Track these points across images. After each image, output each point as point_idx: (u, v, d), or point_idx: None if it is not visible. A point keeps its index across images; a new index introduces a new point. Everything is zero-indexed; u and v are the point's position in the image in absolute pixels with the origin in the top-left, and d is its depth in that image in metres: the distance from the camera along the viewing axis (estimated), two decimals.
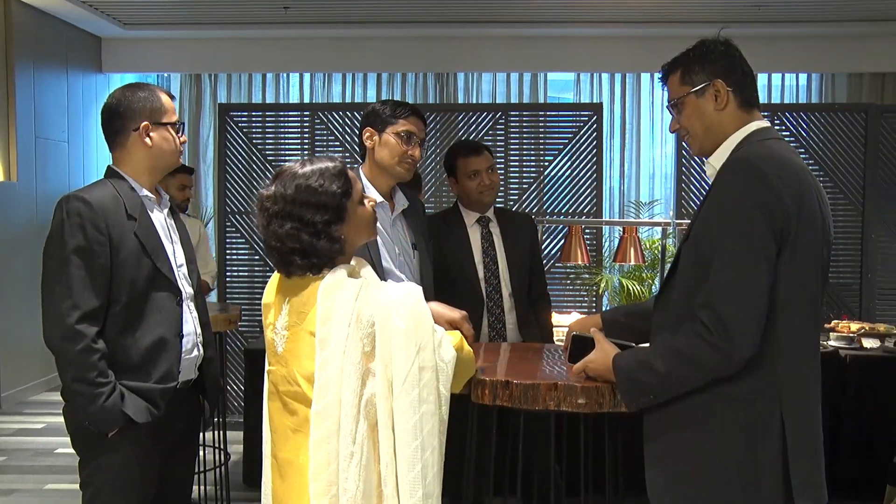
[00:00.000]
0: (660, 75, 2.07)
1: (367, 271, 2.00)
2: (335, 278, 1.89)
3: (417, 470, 1.83)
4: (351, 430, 1.82)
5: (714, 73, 1.95)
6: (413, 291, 1.91)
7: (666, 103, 2.07)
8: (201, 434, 3.69)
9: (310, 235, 1.90)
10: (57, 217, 2.27)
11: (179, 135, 2.45)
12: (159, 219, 2.44)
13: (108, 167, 2.43)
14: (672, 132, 2.10)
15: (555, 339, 3.71)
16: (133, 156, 2.40)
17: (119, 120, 2.38)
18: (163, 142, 2.40)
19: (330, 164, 1.97)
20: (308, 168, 1.95)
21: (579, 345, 2.17)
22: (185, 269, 2.48)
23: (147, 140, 2.37)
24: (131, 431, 2.26)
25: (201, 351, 2.49)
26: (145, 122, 2.36)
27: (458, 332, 2.10)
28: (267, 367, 2.04)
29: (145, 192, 2.40)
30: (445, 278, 3.11)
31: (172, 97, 2.48)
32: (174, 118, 2.43)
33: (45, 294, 2.26)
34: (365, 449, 1.84)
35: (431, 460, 1.85)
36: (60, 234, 2.24)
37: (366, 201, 2.05)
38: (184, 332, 2.40)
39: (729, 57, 1.96)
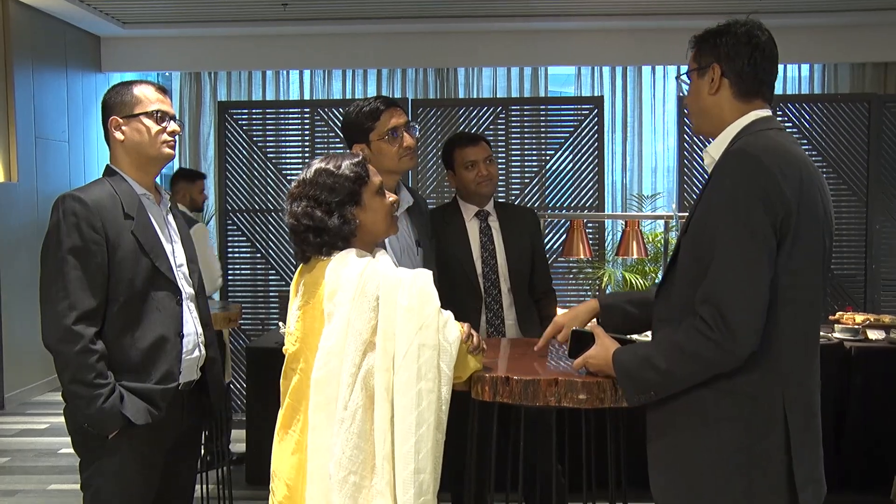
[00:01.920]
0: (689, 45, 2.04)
1: (382, 255, 2.11)
2: (343, 257, 2.03)
3: (411, 444, 1.89)
4: (344, 398, 1.92)
5: (717, 57, 1.93)
6: (423, 273, 2.02)
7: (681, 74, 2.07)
8: (204, 434, 3.70)
9: (322, 213, 2.05)
10: (53, 217, 2.26)
11: (164, 124, 2.39)
12: (158, 218, 2.42)
13: (107, 166, 2.43)
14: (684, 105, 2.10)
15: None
16: (116, 152, 2.41)
17: (103, 119, 2.42)
18: (135, 133, 2.37)
19: (351, 157, 2.15)
20: (331, 160, 2.13)
21: (579, 340, 2.15)
22: (185, 269, 2.47)
23: (118, 134, 2.38)
24: (131, 433, 2.25)
25: (203, 351, 2.47)
26: (112, 117, 2.38)
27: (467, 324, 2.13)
28: (283, 348, 2.15)
29: (143, 190, 2.40)
30: (443, 273, 3.08)
31: (162, 89, 2.45)
32: (150, 108, 2.37)
33: (43, 295, 2.26)
34: (358, 418, 1.91)
35: (427, 436, 1.91)
36: (57, 234, 2.24)
37: (387, 194, 2.18)
38: (184, 332, 2.38)
39: (740, 45, 1.91)
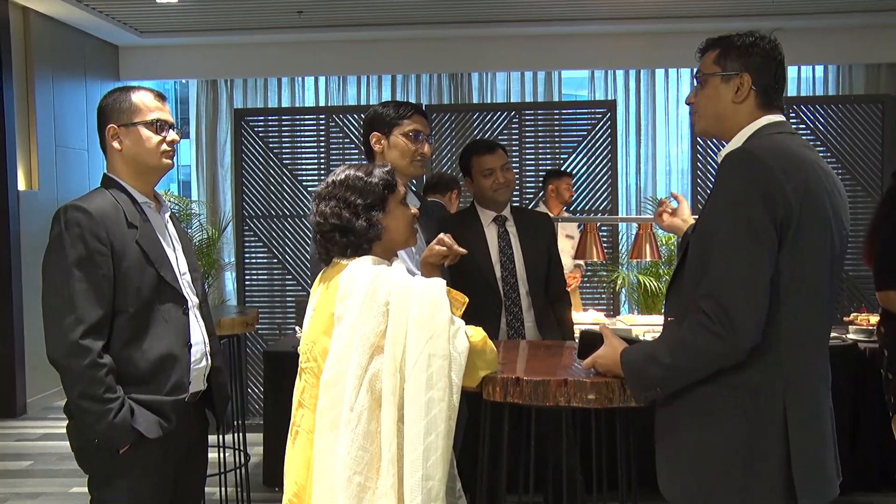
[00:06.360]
0: (700, 46, 2.05)
1: (397, 263, 2.15)
2: (358, 262, 2.08)
3: (419, 451, 1.91)
4: (350, 400, 1.95)
5: (746, 67, 1.95)
6: (436, 283, 2.05)
7: (694, 72, 2.07)
8: (222, 436, 3.75)
9: (350, 214, 2.09)
10: (55, 228, 2.20)
11: (163, 133, 2.30)
12: (159, 225, 2.36)
13: (104, 175, 2.35)
14: (687, 103, 2.10)
15: (575, 336, 3.71)
16: (113, 160, 2.33)
17: (98, 125, 2.34)
18: (133, 143, 2.28)
19: (381, 166, 2.22)
20: (362, 167, 2.20)
21: (588, 341, 2.18)
22: (188, 277, 2.40)
23: (115, 143, 2.29)
24: (142, 446, 2.19)
25: (209, 361, 2.42)
26: (110, 125, 2.29)
27: (481, 329, 2.14)
28: (298, 347, 2.19)
29: (143, 198, 2.33)
30: (462, 278, 3.12)
31: (161, 95, 2.36)
32: (149, 116, 2.28)
33: (47, 308, 2.20)
34: (363, 419, 1.95)
35: (436, 444, 1.93)
36: (60, 245, 2.17)
37: (409, 204, 2.24)
38: (192, 342, 2.33)
39: (769, 59, 1.96)
